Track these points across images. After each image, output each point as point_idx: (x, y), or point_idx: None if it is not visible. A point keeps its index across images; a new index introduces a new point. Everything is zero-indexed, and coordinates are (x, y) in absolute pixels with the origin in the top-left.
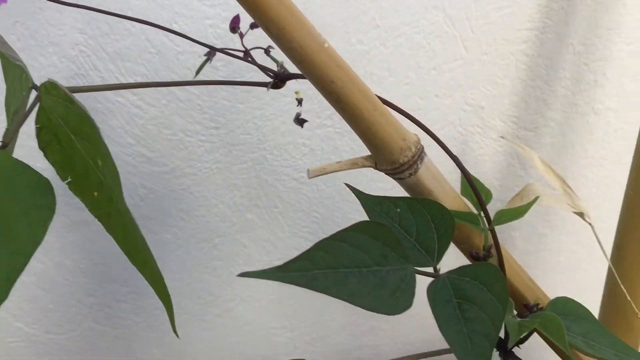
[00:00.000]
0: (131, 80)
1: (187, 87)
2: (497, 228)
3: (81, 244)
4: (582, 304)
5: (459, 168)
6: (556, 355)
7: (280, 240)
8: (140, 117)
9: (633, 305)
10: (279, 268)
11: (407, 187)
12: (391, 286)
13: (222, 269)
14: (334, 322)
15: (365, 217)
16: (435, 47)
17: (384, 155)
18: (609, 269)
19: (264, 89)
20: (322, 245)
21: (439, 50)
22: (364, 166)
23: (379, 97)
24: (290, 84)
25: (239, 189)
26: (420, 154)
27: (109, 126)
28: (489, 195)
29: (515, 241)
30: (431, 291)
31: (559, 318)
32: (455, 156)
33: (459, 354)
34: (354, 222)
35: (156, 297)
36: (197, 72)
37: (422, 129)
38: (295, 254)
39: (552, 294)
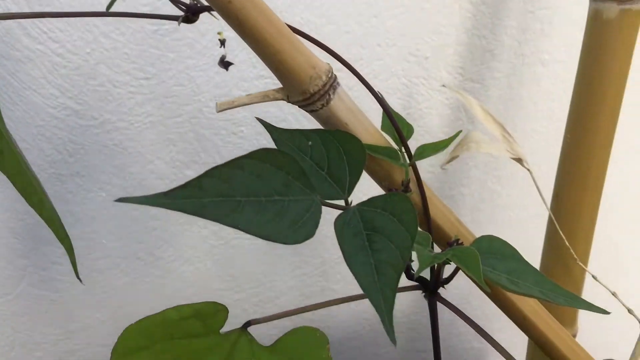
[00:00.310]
0: (52, 27)
1: (113, 36)
2: (444, 184)
3: (10, 202)
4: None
5: (377, 100)
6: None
7: None
8: (64, 66)
9: (572, 252)
10: (164, 194)
11: (321, 121)
12: (292, 216)
13: (161, 229)
14: (282, 284)
15: None
16: None
17: (293, 85)
18: (549, 217)
19: (196, 37)
20: (215, 172)
21: None
22: (276, 99)
23: (288, 26)
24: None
25: (175, 144)
26: (332, 83)
27: (30, 76)
28: (410, 130)
29: (465, 198)
30: (339, 223)
31: (474, 250)
32: (371, 87)
33: (364, 285)
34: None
35: (97, 258)
36: (109, 7)
37: (334, 56)
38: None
39: None
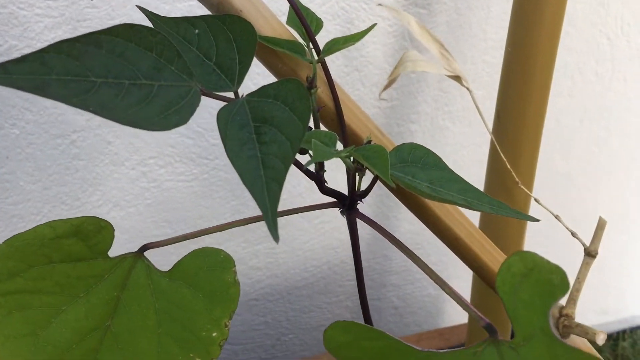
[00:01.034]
0: None
1: None
2: (391, 120)
3: None
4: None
5: None
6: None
7: (151, 135)
8: None
9: (514, 174)
10: None
11: (213, 8)
12: (162, 103)
13: (85, 170)
14: None
15: None
16: None
17: None
18: (491, 141)
19: None
20: (63, 47)
21: None
22: None
23: None
24: None
25: None
26: None
27: None
28: (319, 24)
29: (414, 135)
30: (222, 115)
31: (383, 147)
32: None
33: (248, 180)
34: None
35: (15, 202)
36: None
37: None
38: (169, 151)
39: None
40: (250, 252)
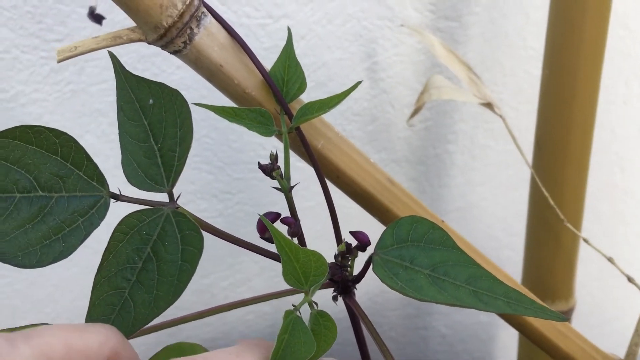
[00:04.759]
0: None
1: None
2: (426, 143)
3: None
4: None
5: (238, 41)
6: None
7: None
8: None
9: (558, 211)
10: None
11: (192, 65)
12: (52, 223)
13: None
14: (254, 264)
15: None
16: None
17: (142, 18)
18: (532, 174)
19: None
20: None
21: None
22: (131, 40)
23: None
24: None
25: (106, 114)
26: (194, 13)
27: None
28: (302, 85)
29: (453, 157)
30: (130, 222)
31: (332, 322)
32: (230, 27)
33: (92, 313)
34: (254, 144)
35: None
36: None
37: None
38: (191, 188)
39: (507, 212)
40: (284, 286)
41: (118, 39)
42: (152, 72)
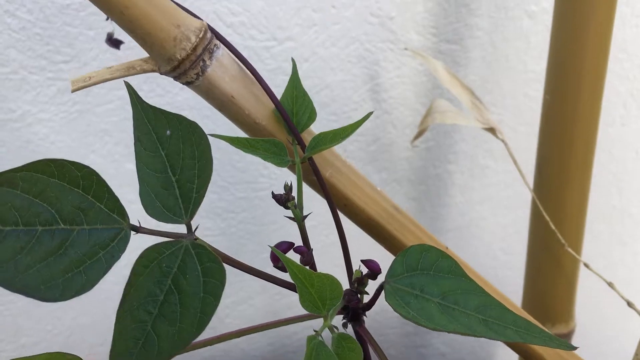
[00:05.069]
0: None
1: (19, 14)
2: (427, 163)
3: None
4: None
5: (249, 70)
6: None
7: None
8: None
9: (559, 235)
10: None
11: (204, 95)
12: (74, 256)
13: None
14: (255, 281)
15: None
16: None
17: (156, 50)
18: (532, 198)
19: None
20: None
21: None
22: (144, 71)
23: None
24: None
25: (111, 134)
26: (207, 45)
27: None
28: (312, 115)
29: (453, 176)
30: (150, 256)
31: (357, 345)
32: (245, 60)
33: (116, 349)
34: (257, 164)
35: None
36: None
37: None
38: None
39: (505, 232)
40: (284, 304)
41: (131, 70)
42: (157, 92)
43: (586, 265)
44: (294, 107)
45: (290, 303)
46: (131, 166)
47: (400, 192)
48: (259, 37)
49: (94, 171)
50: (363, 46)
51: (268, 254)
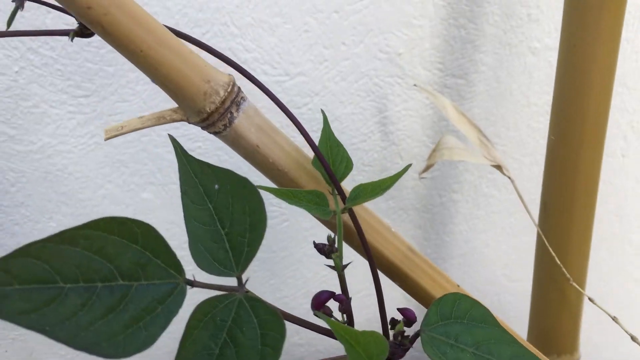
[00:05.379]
0: None
1: (42, 51)
2: (432, 192)
3: None
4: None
5: (296, 126)
6: None
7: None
8: None
9: (564, 269)
10: None
11: (229, 144)
12: (136, 310)
13: None
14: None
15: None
16: None
17: (186, 103)
18: (538, 233)
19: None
20: (31, 250)
21: None
22: (174, 120)
23: (177, 32)
24: None
25: (127, 165)
26: (234, 98)
27: None
28: (349, 165)
29: (457, 205)
30: (203, 310)
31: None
32: (287, 110)
33: None
34: (268, 200)
35: None
36: (9, 23)
37: (238, 70)
38: None
39: (508, 259)
40: (292, 329)
41: (161, 119)
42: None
43: (591, 299)
44: (330, 157)
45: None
46: (146, 195)
47: (407, 220)
48: (271, 72)
49: (153, 227)
50: (372, 81)
51: (276, 280)
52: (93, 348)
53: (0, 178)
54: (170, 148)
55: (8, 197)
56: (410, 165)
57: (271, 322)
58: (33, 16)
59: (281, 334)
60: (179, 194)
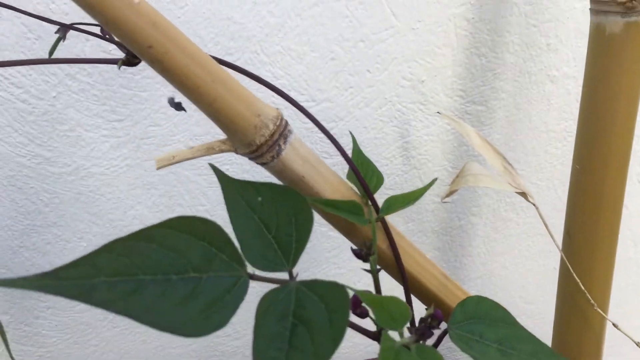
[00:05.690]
0: (13, 72)
1: (79, 77)
2: (452, 215)
3: None
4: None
5: (335, 146)
6: None
7: None
8: (30, 112)
9: (588, 295)
10: (46, 274)
11: (275, 174)
12: (207, 299)
13: None
14: None
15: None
16: (359, 15)
17: (237, 136)
18: (561, 257)
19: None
20: (115, 247)
21: (364, 19)
22: (222, 151)
23: (229, 64)
24: None
25: (157, 187)
26: (282, 131)
27: None
28: (380, 179)
29: (476, 228)
30: (266, 302)
31: (438, 354)
32: (328, 132)
33: None
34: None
35: (82, 310)
36: (51, 52)
37: (284, 98)
38: None
39: (525, 281)
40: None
41: (211, 150)
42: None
43: (615, 325)
44: (361, 172)
45: None
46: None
47: (426, 242)
48: (298, 98)
49: (218, 225)
50: (395, 107)
51: None
52: (175, 330)
53: (34, 199)
54: (199, 171)
55: (41, 217)
56: (436, 179)
57: (329, 291)
58: (72, 44)
59: (342, 298)
60: (205, 215)
